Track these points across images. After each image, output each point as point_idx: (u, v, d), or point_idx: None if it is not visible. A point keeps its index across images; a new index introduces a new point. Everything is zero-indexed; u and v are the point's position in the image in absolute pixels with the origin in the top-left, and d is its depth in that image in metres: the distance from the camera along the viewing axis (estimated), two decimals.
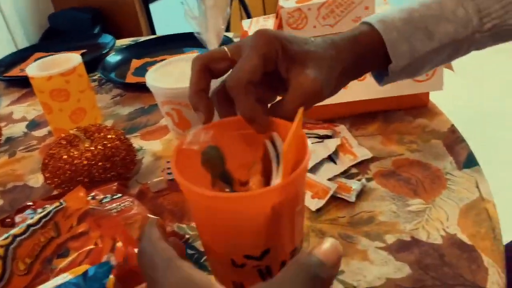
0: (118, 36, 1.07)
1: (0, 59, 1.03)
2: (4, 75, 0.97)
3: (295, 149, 0.29)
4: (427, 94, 0.63)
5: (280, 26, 0.59)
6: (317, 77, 0.34)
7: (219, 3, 0.64)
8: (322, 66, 0.35)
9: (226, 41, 0.82)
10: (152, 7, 2.36)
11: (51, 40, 1.11)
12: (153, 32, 2.43)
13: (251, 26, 0.77)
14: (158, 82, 0.58)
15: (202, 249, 0.45)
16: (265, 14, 3.69)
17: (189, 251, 0.45)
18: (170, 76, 0.61)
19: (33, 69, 0.67)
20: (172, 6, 2.50)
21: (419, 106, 0.64)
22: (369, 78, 0.60)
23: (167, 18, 2.49)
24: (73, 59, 0.69)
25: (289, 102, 0.34)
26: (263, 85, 0.35)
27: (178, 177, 0.28)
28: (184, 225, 0.49)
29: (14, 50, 2.46)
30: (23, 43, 2.46)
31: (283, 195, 0.27)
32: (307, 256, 0.22)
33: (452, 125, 0.59)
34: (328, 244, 0.23)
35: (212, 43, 0.69)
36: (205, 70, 0.35)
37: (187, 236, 0.47)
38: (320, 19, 0.58)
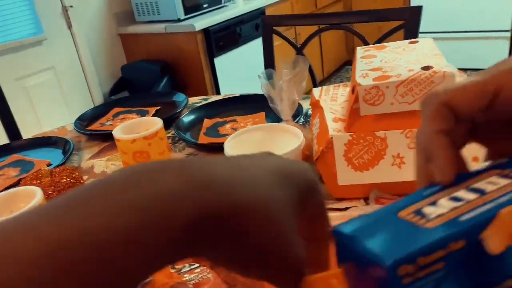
0: (184, 86, 1.13)
1: (83, 113, 1.12)
2: (87, 128, 1.05)
3: None
4: None
5: (356, 101, 0.60)
6: None
7: (296, 78, 0.67)
8: None
9: (300, 111, 0.84)
10: (216, 61, 2.50)
11: (128, 96, 1.19)
12: (216, 83, 2.55)
13: (322, 94, 0.79)
14: (234, 152, 0.61)
15: None
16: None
17: None
18: (247, 145, 0.64)
19: (118, 131, 0.72)
20: (234, 59, 2.63)
21: None
22: None
23: (230, 71, 2.61)
24: (154, 123, 0.74)
25: None
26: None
27: None
28: None
29: (88, 95, 2.68)
30: (96, 90, 2.67)
31: None
32: None
33: None
34: None
35: (286, 114, 0.71)
36: (447, 109, 0.25)
37: None
38: (398, 97, 0.59)
